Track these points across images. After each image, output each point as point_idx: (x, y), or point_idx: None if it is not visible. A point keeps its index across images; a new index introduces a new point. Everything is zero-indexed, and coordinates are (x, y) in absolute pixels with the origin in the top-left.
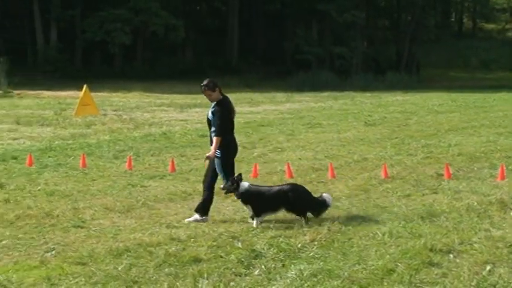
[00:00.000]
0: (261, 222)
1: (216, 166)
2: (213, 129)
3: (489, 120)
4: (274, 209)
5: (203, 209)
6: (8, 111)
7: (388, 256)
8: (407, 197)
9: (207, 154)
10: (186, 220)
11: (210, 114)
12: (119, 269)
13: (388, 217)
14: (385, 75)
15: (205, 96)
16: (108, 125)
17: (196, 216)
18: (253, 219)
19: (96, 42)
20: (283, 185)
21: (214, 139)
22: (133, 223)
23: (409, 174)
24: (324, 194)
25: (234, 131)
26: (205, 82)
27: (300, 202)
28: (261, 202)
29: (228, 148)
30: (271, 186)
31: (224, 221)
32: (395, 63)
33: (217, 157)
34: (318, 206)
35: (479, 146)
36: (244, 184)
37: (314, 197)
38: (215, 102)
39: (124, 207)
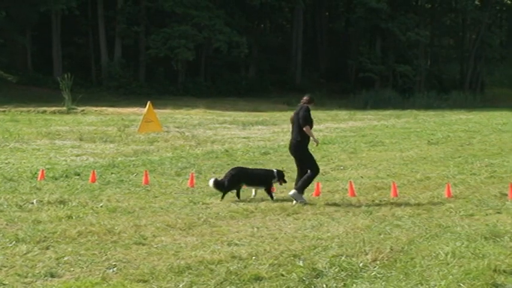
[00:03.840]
0: None
1: None
2: None
3: None
4: None
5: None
6: (72, 128)
7: (450, 277)
8: (471, 216)
9: None
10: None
11: None
12: (180, 286)
13: (451, 237)
14: (449, 94)
15: None
16: (170, 142)
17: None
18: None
19: (160, 59)
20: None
21: None
22: (194, 240)
23: (472, 194)
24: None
25: (292, 132)
26: None
27: None
28: None
29: None
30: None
31: (285, 239)
32: (459, 82)
33: None
34: None
35: None
36: None
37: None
38: None
39: (185, 224)
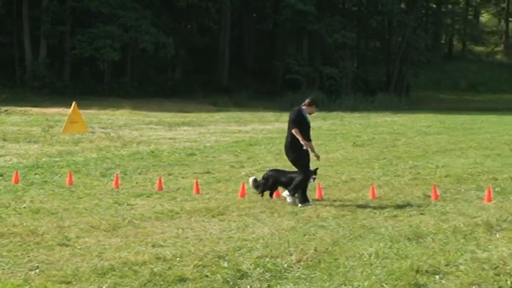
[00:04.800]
0: None
1: None
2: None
3: (476, 142)
4: None
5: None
6: None
7: (374, 277)
8: (394, 218)
9: (319, 155)
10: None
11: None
12: None
13: (374, 238)
14: (375, 96)
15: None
16: (95, 143)
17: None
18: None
19: (86, 59)
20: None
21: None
22: (118, 242)
23: (396, 195)
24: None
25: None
26: None
27: None
28: None
29: None
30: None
31: (210, 240)
32: (385, 85)
33: None
34: None
35: (467, 168)
36: None
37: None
38: None
39: (110, 225)
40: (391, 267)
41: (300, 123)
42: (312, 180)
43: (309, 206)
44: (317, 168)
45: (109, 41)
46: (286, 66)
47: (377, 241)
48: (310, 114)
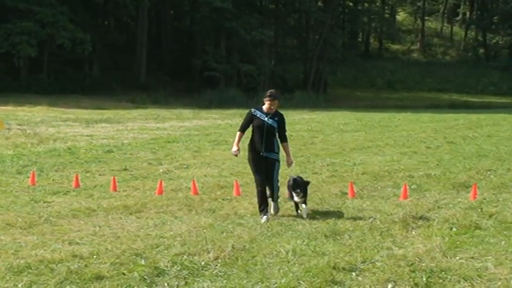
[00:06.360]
0: None
1: (277, 168)
2: (277, 136)
3: (393, 140)
4: None
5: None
6: None
7: (291, 274)
8: (312, 215)
9: (292, 161)
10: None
11: (272, 122)
12: (19, 286)
13: (292, 235)
14: (293, 94)
15: (271, 106)
16: (12, 140)
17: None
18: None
19: (1, 55)
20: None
21: (286, 144)
22: (35, 239)
23: (314, 193)
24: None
25: None
26: (274, 93)
27: None
28: None
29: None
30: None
31: (128, 238)
32: (303, 82)
33: (278, 161)
34: None
35: (383, 165)
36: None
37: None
38: (276, 111)
39: (26, 223)
40: (308, 264)
41: (246, 124)
42: (295, 196)
43: (263, 219)
44: (308, 182)
45: (25, 37)
46: (204, 64)
47: (294, 238)
48: (272, 108)
